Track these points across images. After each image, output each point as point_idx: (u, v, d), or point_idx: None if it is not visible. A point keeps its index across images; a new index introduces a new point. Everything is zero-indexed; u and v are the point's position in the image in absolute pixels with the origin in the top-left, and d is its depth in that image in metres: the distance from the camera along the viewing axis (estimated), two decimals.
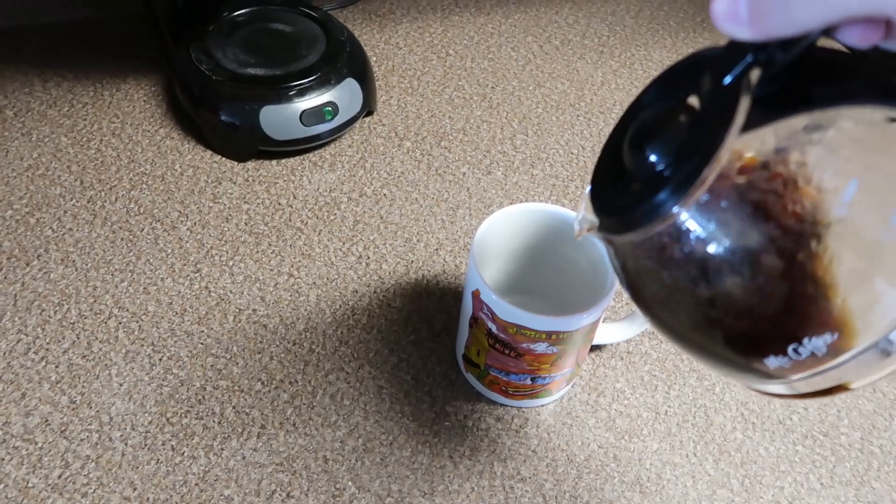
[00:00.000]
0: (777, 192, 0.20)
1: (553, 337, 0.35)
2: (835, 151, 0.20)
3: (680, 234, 0.21)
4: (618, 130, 0.25)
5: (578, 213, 0.25)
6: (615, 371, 0.44)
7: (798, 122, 0.20)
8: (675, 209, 0.20)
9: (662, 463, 0.40)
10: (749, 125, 0.19)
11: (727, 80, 0.20)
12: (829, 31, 0.19)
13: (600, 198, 0.24)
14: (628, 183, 0.23)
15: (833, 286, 0.20)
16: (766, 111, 0.20)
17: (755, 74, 0.19)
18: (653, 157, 0.22)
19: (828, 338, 0.21)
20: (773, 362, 0.22)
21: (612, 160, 0.24)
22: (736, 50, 0.20)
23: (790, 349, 0.21)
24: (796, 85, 0.20)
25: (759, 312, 0.21)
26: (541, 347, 0.36)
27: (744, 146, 0.20)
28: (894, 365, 0.21)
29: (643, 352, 0.45)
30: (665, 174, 0.21)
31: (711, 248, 0.21)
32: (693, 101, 0.22)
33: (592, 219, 0.24)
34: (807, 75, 0.20)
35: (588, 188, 0.25)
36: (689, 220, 0.21)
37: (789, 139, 0.20)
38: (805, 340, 0.21)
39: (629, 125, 0.24)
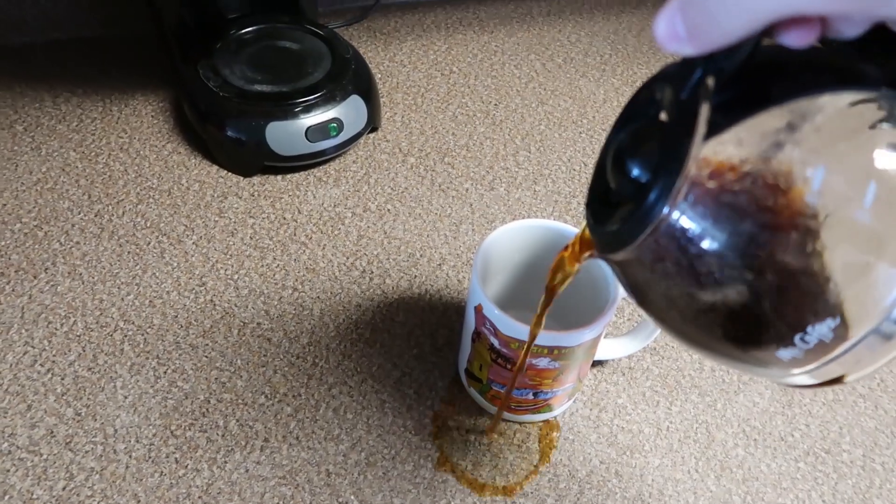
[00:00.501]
0: (760, 190, 0.21)
1: (555, 352, 0.35)
2: (807, 145, 0.21)
3: (671, 242, 0.22)
4: (602, 156, 0.26)
5: (577, 232, 0.26)
6: (617, 387, 0.44)
7: (769, 122, 0.21)
8: (662, 215, 0.21)
9: (664, 479, 0.40)
10: (714, 130, 0.20)
11: (684, 94, 0.21)
12: (769, 35, 0.20)
13: (594, 222, 0.26)
14: (616, 203, 0.24)
15: (826, 273, 0.21)
16: (729, 114, 0.21)
17: (710, 83, 0.21)
18: (634, 173, 0.23)
19: (830, 322, 0.21)
20: (785, 354, 0.22)
21: (601, 185, 0.25)
22: (689, 64, 0.21)
23: (797, 339, 0.22)
24: (755, 86, 0.21)
25: (758, 307, 0.22)
26: (543, 362, 0.36)
27: (727, 153, 0.21)
28: (890, 353, 0.22)
29: (645, 367, 0.45)
30: (646, 187, 0.22)
31: (702, 253, 0.22)
32: (664, 116, 0.23)
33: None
34: (763, 75, 0.21)
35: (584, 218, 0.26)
36: (678, 226, 0.22)
37: (768, 141, 0.21)
38: (809, 328, 0.21)
39: (610, 147, 0.25)
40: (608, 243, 0.24)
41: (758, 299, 0.22)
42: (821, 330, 0.21)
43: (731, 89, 0.21)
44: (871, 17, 0.19)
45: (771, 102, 0.21)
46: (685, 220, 0.21)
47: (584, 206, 0.27)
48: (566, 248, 0.31)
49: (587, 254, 0.28)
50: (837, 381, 0.24)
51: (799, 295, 0.22)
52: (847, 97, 0.21)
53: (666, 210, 0.21)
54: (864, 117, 0.21)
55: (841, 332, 0.21)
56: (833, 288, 0.21)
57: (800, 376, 0.24)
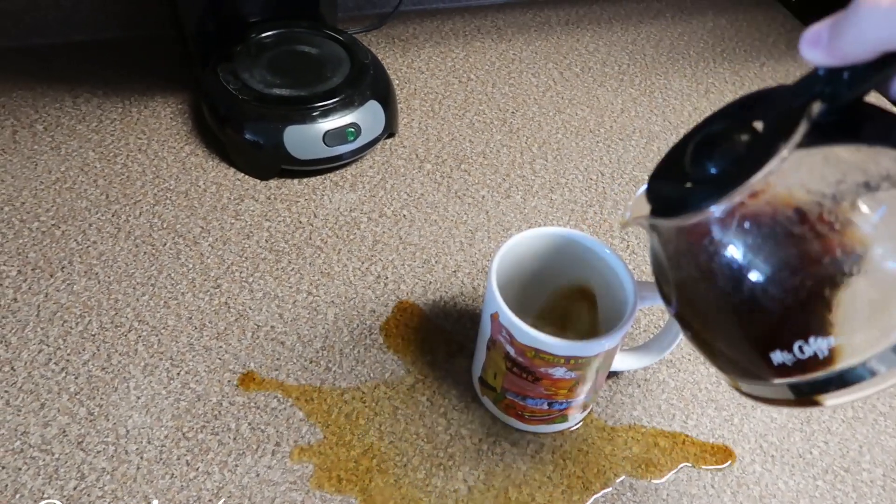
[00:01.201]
0: (816, 221, 0.23)
1: (572, 362, 0.35)
2: (880, 197, 0.23)
3: (718, 228, 0.24)
4: (686, 138, 0.28)
5: (629, 203, 0.29)
6: (632, 399, 0.43)
7: (846, 156, 0.23)
8: (718, 205, 0.24)
9: (679, 494, 0.39)
10: (806, 144, 0.22)
11: (796, 104, 0.23)
12: (883, 90, 0.22)
13: (656, 189, 0.28)
14: (683, 181, 0.26)
15: (843, 300, 0.23)
16: (817, 137, 0.23)
17: (818, 107, 0.22)
18: (709, 163, 0.25)
19: (831, 341, 0.23)
20: (777, 357, 0.24)
21: (674, 162, 0.27)
22: (807, 83, 0.23)
23: (796, 346, 0.23)
24: (850, 122, 0.23)
25: (774, 304, 0.24)
26: (559, 372, 0.36)
27: (798, 186, 0.23)
28: (871, 388, 0.23)
29: (661, 380, 0.44)
30: (716, 177, 0.24)
31: (742, 248, 0.24)
32: (758, 125, 0.25)
33: (642, 208, 0.27)
34: (860, 118, 0.23)
35: (644, 186, 0.29)
36: (730, 219, 0.24)
37: (840, 188, 0.23)
38: (811, 339, 0.23)
39: (695, 136, 0.27)
40: (664, 208, 0.26)
41: (778, 297, 0.23)
42: (819, 344, 0.23)
43: (834, 118, 0.23)
44: None
45: (858, 140, 0.23)
46: (745, 216, 0.23)
47: (649, 178, 0.28)
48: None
49: (638, 217, 0.29)
50: (815, 403, 0.25)
51: (812, 309, 0.23)
52: None
53: (728, 200, 0.23)
54: None
55: (834, 355, 0.23)
56: (843, 314, 0.23)
57: (779, 387, 0.25)
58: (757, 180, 0.23)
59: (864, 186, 0.22)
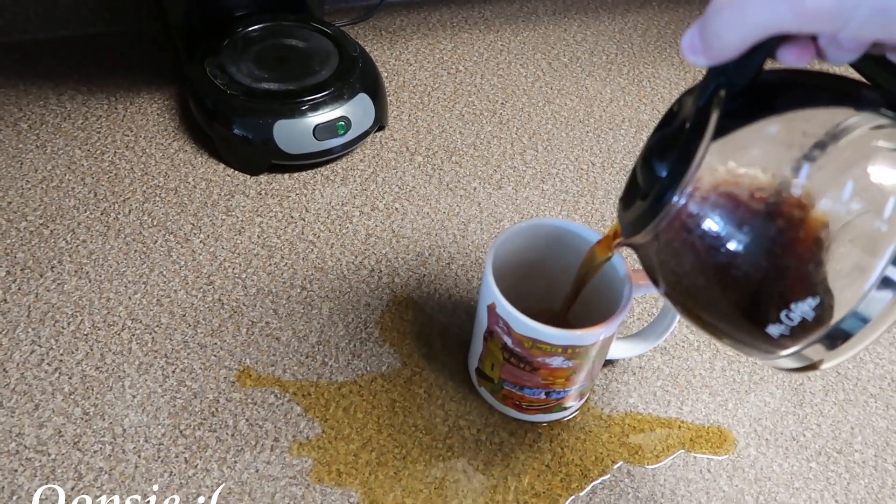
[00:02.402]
0: (765, 194, 0.24)
1: (569, 351, 0.35)
2: (824, 161, 0.24)
3: (681, 228, 0.26)
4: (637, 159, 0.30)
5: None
6: (628, 386, 0.44)
7: (768, 128, 0.25)
8: (673, 203, 0.25)
9: (676, 479, 0.40)
10: (723, 132, 0.25)
11: (700, 103, 0.25)
12: (773, 57, 0.24)
13: (620, 216, 0.30)
14: (643, 196, 0.27)
15: (813, 261, 0.24)
16: (737, 120, 0.25)
17: (722, 94, 0.25)
18: (657, 170, 0.27)
19: (811, 301, 0.24)
20: (774, 331, 0.25)
21: (633, 183, 0.29)
22: (707, 80, 0.25)
23: (783, 315, 0.25)
24: (761, 99, 0.25)
25: (747, 283, 0.25)
26: (556, 362, 0.36)
27: (740, 159, 0.25)
28: (871, 334, 0.24)
29: (655, 367, 0.45)
30: (664, 180, 0.26)
31: (701, 242, 0.25)
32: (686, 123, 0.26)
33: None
34: (770, 92, 0.25)
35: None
36: (687, 214, 0.25)
37: (768, 158, 0.25)
38: (792, 305, 0.24)
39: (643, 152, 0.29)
40: (631, 227, 0.28)
41: (746, 280, 0.25)
42: (802, 308, 0.24)
43: (741, 101, 0.25)
44: (857, 42, 0.23)
45: (773, 112, 0.25)
46: (693, 209, 0.25)
47: (619, 200, 0.31)
48: (599, 241, 0.35)
49: (617, 241, 0.31)
50: (813, 366, 0.26)
51: (785, 278, 0.25)
52: (868, 122, 0.24)
53: (676, 199, 0.25)
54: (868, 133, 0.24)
55: (822, 314, 0.24)
56: (815, 272, 0.24)
57: (786, 358, 0.26)
58: (687, 180, 0.25)
59: (787, 148, 0.24)
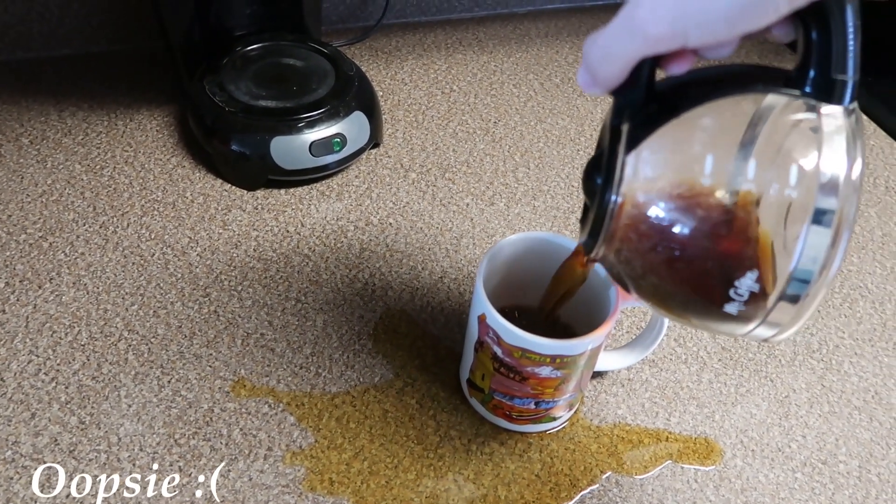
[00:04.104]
0: (687, 186, 0.27)
1: (558, 361, 0.36)
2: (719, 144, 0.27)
3: (627, 227, 0.28)
4: None
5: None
6: (616, 398, 0.45)
7: (675, 131, 0.27)
8: (613, 200, 0.28)
9: (664, 489, 0.40)
10: (636, 141, 0.27)
11: (614, 121, 0.28)
12: (661, 68, 0.27)
13: (581, 231, 0.32)
14: (590, 206, 0.30)
15: (742, 236, 0.26)
16: (646, 129, 0.28)
17: (628, 112, 0.28)
18: (596, 180, 0.29)
19: (751, 275, 0.26)
20: (731, 309, 0.27)
21: (585, 207, 0.32)
22: (614, 102, 0.28)
23: (732, 293, 0.26)
24: (667, 105, 0.28)
25: (691, 271, 0.27)
26: (545, 371, 0.37)
27: (653, 165, 0.28)
28: (821, 289, 0.26)
29: (644, 379, 0.46)
30: (599, 195, 0.29)
31: (643, 243, 0.28)
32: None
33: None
34: (674, 96, 0.28)
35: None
36: (628, 212, 0.28)
37: (682, 155, 0.27)
38: (736, 283, 0.26)
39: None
40: (589, 237, 0.30)
41: (691, 267, 0.27)
42: (746, 282, 0.26)
43: (646, 111, 0.28)
44: (712, 45, 0.25)
45: (681, 111, 0.27)
46: (630, 209, 0.28)
47: (579, 222, 0.33)
48: (571, 255, 0.36)
49: (586, 258, 0.33)
50: (790, 325, 0.27)
51: (723, 259, 0.27)
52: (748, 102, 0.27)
53: (614, 198, 0.28)
54: (747, 113, 0.27)
55: (765, 284, 0.26)
56: (748, 247, 0.26)
57: (760, 328, 0.28)
58: (617, 178, 0.27)
59: (710, 138, 0.27)
